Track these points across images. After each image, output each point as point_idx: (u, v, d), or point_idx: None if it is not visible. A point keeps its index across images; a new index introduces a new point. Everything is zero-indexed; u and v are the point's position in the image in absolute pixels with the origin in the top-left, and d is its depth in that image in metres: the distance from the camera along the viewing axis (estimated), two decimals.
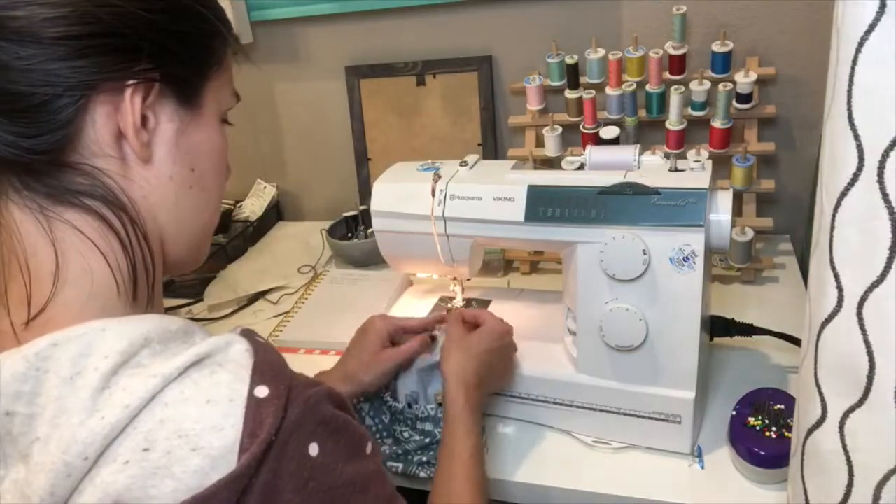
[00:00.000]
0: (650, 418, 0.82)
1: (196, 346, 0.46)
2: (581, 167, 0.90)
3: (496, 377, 0.84)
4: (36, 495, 0.41)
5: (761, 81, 1.17)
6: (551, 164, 1.22)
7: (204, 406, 0.43)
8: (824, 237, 0.46)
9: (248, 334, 0.50)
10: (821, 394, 0.48)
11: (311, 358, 1.10)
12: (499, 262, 1.25)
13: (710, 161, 0.83)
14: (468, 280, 1.00)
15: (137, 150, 0.49)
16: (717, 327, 0.92)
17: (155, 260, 0.52)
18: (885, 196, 0.41)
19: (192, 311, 1.28)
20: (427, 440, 0.84)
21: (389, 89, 1.41)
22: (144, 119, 0.49)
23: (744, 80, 1.11)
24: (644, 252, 0.75)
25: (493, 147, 1.38)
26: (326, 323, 1.15)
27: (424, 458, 0.82)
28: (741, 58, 1.16)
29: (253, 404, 0.44)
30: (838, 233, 0.44)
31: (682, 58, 1.15)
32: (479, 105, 1.35)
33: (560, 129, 1.20)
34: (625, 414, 0.83)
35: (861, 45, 0.40)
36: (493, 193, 0.84)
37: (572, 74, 1.20)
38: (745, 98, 1.13)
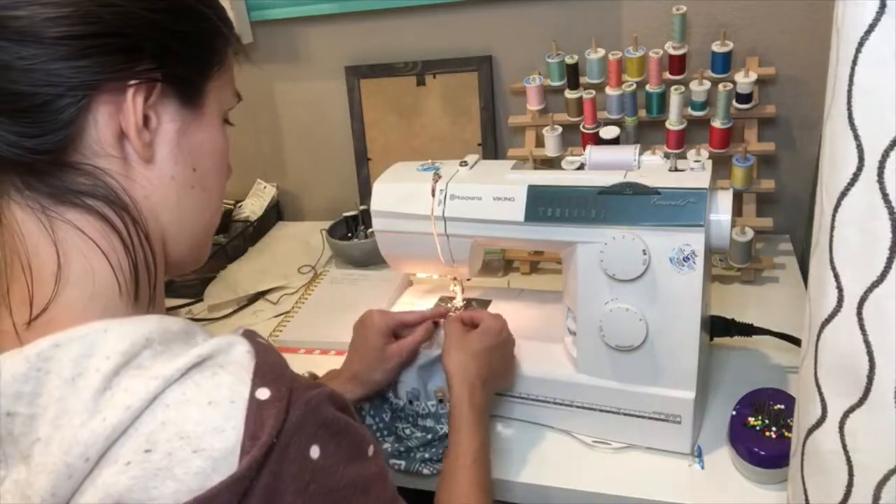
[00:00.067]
0: (650, 418, 0.82)
1: (198, 347, 0.46)
2: (581, 167, 0.90)
3: (499, 375, 0.84)
4: (37, 496, 0.41)
5: (761, 81, 1.17)
6: (551, 164, 1.22)
7: (205, 408, 0.43)
8: (824, 237, 0.46)
9: (250, 335, 0.50)
10: (821, 394, 0.48)
11: (312, 358, 1.10)
12: (499, 262, 1.25)
13: (710, 161, 0.83)
14: (468, 280, 1.00)
15: (139, 150, 0.49)
16: (717, 327, 0.93)
17: (157, 260, 0.52)
18: (885, 196, 0.41)
19: (193, 311, 1.28)
20: (429, 437, 0.83)
21: (389, 89, 1.41)
22: (146, 119, 0.49)
23: (744, 80, 1.11)
24: (644, 252, 0.75)
25: (493, 147, 1.38)
26: (326, 323, 1.15)
27: (427, 455, 0.82)
28: (741, 58, 1.16)
29: (254, 406, 0.44)
30: (838, 233, 0.44)
31: (682, 58, 1.15)
32: (479, 105, 1.35)
33: (560, 129, 1.20)
34: (625, 414, 0.83)
35: (861, 45, 0.40)
36: (493, 193, 0.84)
37: (572, 74, 1.20)
38: (745, 98, 1.13)
